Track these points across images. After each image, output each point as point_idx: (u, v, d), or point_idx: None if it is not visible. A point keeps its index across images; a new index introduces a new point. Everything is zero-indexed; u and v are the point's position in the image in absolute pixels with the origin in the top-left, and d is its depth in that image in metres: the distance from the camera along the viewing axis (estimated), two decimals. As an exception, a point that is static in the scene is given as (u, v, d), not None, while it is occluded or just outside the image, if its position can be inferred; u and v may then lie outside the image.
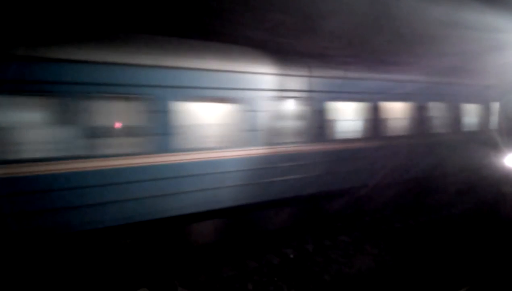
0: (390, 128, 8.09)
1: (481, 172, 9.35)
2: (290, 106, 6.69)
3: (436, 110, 8.99)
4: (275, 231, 6.89)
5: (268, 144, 6.31)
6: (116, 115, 5.06)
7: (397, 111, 8.28)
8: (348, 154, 7.36)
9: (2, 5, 5.23)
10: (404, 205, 8.67)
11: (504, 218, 7.29)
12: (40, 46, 4.43)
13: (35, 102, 4.51)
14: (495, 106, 10.43)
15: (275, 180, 6.42)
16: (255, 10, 7.13)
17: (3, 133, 4.29)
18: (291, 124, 6.69)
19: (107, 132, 4.98)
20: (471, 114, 9.97)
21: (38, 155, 4.45)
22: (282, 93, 6.49)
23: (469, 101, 9.81)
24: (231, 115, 5.99)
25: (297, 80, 6.66)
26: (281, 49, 7.07)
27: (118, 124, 5.10)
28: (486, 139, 9.72)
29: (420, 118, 8.59)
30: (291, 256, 6.31)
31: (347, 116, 7.54)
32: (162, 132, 5.25)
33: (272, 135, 6.38)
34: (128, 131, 5.14)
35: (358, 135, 7.60)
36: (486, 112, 10.37)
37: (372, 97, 7.69)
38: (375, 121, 7.78)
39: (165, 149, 5.29)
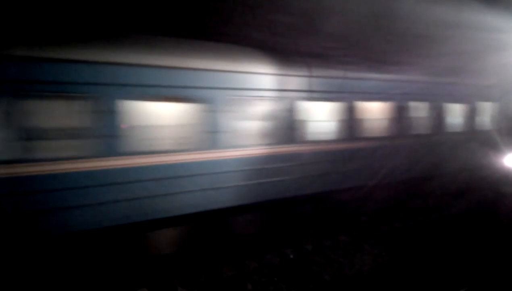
0: (369, 129, 7.70)
1: (480, 172, 9.36)
2: (256, 106, 6.24)
3: (418, 110, 8.65)
4: (246, 236, 6.52)
5: (231, 147, 5.87)
6: (53, 115, 4.62)
7: (373, 111, 7.84)
8: (320, 156, 6.89)
9: None
10: (391, 207, 8.40)
11: (503, 218, 7.32)
12: None
13: None
14: (491, 106, 10.47)
15: (237, 184, 5.96)
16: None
17: None
18: (258, 125, 6.25)
19: (45, 134, 4.55)
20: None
21: None
22: (247, 92, 6.06)
23: (460, 101, 9.62)
24: (190, 116, 5.57)
25: (262, 78, 6.21)
26: (241, 43, 6.56)
27: (57, 126, 4.65)
28: (485, 139, 9.73)
29: (397, 118, 8.17)
30: (291, 256, 6.32)
31: (320, 117, 7.05)
32: (107, 134, 4.82)
33: (236, 137, 5.93)
34: (68, 134, 4.68)
35: (332, 136, 7.12)
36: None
37: (344, 97, 7.25)
38: (351, 121, 7.35)
39: (110, 152, 4.85)
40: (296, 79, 6.64)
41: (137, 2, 6.65)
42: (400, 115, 8.21)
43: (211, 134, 5.65)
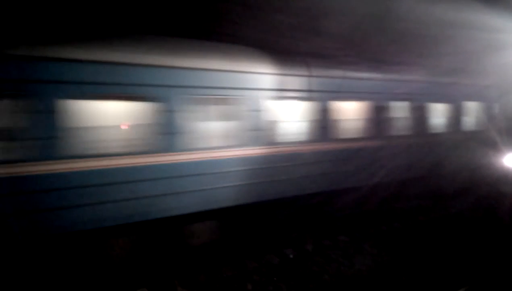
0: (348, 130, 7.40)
1: (480, 172, 9.36)
2: (220, 105, 5.83)
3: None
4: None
5: (191, 149, 5.49)
6: None
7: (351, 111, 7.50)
8: (293, 158, 6.54)
9: None
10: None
11: (503, 218, 7.32)
12: None
13: None
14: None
15: (196, 189, 5.58)
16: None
17: None
18: (222, 126, 5.86)
19: None
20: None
21: None
22: (209, 91, 5.66)
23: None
24: (143, 116, 5.18)
25: (229, 76, 5.80)
26: (204, 38, 6.19)
27: None
28: (484, 140, 9.73)
29: (378, 118, 7.82)
30: (291, 256, 6.32)
31: (296, 117, 6.69)
32: (44, 136, 4.46)
33: (197, 138, 5.56)
34: (2, 135, 4.35)
35: (304, 138, 6.71)
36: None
37: (323, 97, 6.88)
38: (328, 122, 6.99)
39: (46, 155, 4.49)
40: (261, 77, 6.14)
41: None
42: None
43: (166, 136, 5.27)
